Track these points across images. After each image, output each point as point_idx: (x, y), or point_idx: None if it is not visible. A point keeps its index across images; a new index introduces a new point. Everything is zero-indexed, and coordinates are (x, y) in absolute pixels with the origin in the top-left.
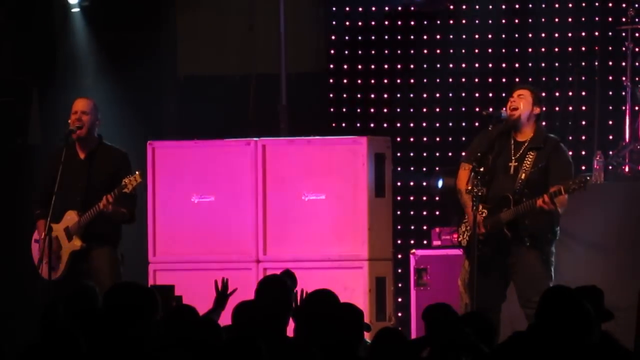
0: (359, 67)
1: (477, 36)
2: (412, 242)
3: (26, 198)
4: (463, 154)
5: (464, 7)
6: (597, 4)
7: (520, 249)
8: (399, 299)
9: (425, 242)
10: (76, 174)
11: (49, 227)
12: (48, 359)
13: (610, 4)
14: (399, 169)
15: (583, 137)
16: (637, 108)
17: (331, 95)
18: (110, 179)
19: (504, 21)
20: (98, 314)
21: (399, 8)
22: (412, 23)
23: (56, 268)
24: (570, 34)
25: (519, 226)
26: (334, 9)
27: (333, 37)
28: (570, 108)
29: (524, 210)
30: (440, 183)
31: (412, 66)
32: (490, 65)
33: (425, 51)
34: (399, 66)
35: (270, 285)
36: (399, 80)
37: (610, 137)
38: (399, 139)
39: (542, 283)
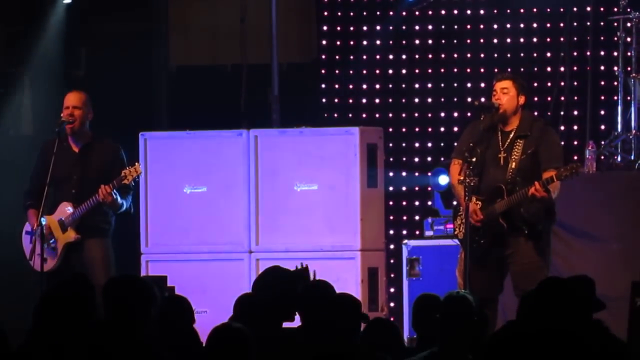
0: (351, 57)
1: (469, 26)
2: (404, 232)
3: (18, 189)
4: (455, 144)
5: None
6: None
7: (517, 240)
8: (392, 290)
9: (417, 232)
10: (70, 167)
11: (41, 217)
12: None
13: None
14: (390, 159)
15: (575, 127)
16: (629, 98)
17: (323, 85)
18: (104, 172)
19: (495, 11)
20: (94, 305)
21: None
22: (404, 14)
23: (50, 260)
24: (562, 24)
25: (514, 215)
26: None
27: (325, 28)
28: (562, 98)
29: (517, 200)
30: (445, 180)
31: (403, 57)
32: (482, 55)
33: (417, 42)
34: (390, 57)
35: (269, 277)
36: (390, 71)
37: (603, 127)
38: (391, 130)
39: (540, 273)
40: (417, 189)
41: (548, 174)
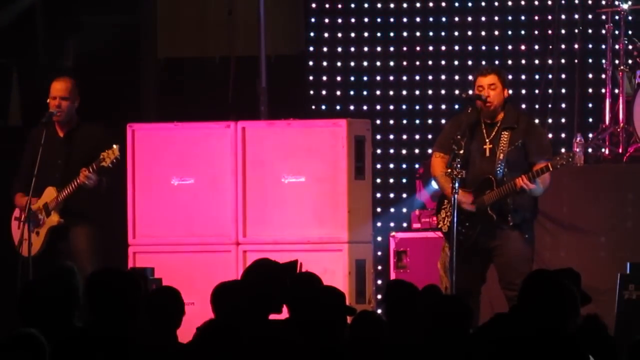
0: (339, 49)
1: (456, 19)
2: (391, 224)
3: (6, 180)
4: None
5: None
6: None
7: (504, 231)
8: (379, 282)
9: (405, 224)
10: (55, 151)
11: (29, 204)
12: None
13: None
14: (378, 151)
15: (563, 120)
16: (617, 91)
17: (310, 77)
18: (90, 155)
19: (483, 4)
20: (78, 297)
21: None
22: (392, 6)
23: (35, 244)
24: (550, 17)
25: (502, 206)
26: None
27: (312, 20)
28: (550, 91)
29: (506, 192)
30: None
31: (391, 49)
32: (470, 47)
33: (405, 34)
34: (378, 49)
35: (257, 269)
36: (378, 63)
37: (590, 120)
38: (378, 122)
39: (525, 265)
40: (404, 180)
41: (540, 166)
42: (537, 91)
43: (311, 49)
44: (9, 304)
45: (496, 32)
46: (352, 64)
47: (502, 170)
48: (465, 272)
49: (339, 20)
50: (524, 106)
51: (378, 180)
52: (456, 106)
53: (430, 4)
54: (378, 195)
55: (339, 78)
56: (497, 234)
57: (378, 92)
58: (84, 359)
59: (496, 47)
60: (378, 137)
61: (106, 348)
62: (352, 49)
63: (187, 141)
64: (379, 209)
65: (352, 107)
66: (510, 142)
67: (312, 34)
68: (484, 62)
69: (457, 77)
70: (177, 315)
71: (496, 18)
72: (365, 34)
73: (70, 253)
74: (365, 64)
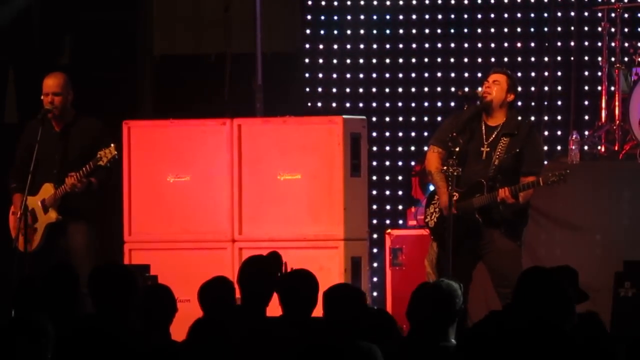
0: (335, 46)
1: (452, 16)
2: (387, 222)
3: (2, 176)
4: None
5: None
6: None
7: (493, 232)
8: (375, 279)
9: (400, 222)
10: (51, 147)
11: (25, 200)
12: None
13: None
14: (374, 148)
15: (559, 118)
16: (613, 88)
17: (306, 75)
18: (87, 150)
19: (479, 1)
20: (78, 295)
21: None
22: (388, 3)
23: (32, 241)
24: (546, 14)
25: (492, 211)
26: None
27: (309, 17)
28: (546, 88)
29: (493, 199)
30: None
31: (387, 46)
32: (466, 45)
33: (401, 31)
34: (374, 46)
35: (252, 265)
36: (374, 60)
37: (586, 118)
38: (374, 119)
39: (515, 261)
40: (400, 178)
41: (527, 179)
42: (533, 89)
43: (307, 46)
44: (5, 300)
45: (492, 30)
46: (348, 61)
47: (494, 176)
48: (452, 270)
49: (335, 18)
50: (520, 103)
51: (374, 178)
52: (452, 104)
53: (427, 2)
54: (374, 192)
55: (335, 75)
56: (485, 234)
57: (374, 90)
58: (82, 355)
59: (492, 45)
60: (374, 134)
61: (103, 344)
62: (348, 46)
63: (183, 138)
64: (374, 206)
65: (348, 105)
66: (508, 149)
67: (308, 31)
68: (480, 60)
69: (453, 75)
70: (168, 314)
71: (492, 15)
72: (361, 32)
73: (68, 250)
74: (361, 61)
